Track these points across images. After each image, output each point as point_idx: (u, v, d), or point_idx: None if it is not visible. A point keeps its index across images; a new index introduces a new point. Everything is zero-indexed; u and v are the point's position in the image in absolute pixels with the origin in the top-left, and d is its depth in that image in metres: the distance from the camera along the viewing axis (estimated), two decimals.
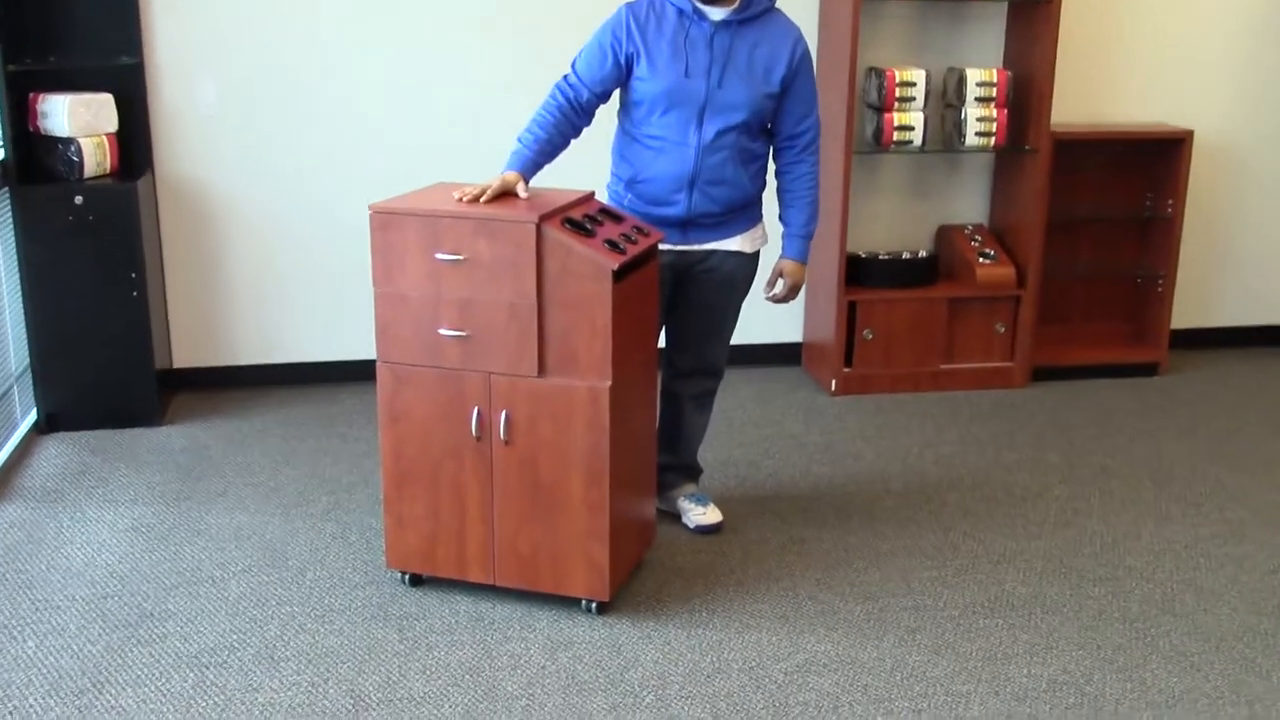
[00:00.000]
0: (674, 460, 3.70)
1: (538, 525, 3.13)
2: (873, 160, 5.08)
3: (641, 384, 3.26)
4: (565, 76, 3.34)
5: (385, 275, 3.10)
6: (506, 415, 3.08)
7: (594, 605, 3.18)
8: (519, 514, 3.14)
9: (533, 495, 3.12)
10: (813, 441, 4.42)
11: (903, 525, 3.74)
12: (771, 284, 3.56)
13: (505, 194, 3.13)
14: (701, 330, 3.54)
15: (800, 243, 3.50)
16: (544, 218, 2.97)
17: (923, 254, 5.04)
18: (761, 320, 5.08)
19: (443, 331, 3.07)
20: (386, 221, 3.06)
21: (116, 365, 4.39)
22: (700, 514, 3.67)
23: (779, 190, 3.48)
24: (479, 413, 3.10)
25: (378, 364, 3.16)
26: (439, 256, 3.03)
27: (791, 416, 4.67)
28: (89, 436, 4.38)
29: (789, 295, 3.55)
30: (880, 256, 4.98)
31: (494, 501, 3.15)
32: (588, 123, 3.36)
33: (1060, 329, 5.34)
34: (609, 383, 3.00)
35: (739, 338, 3.72)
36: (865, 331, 4.89)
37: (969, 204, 5.22)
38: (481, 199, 3.06)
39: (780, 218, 3.50)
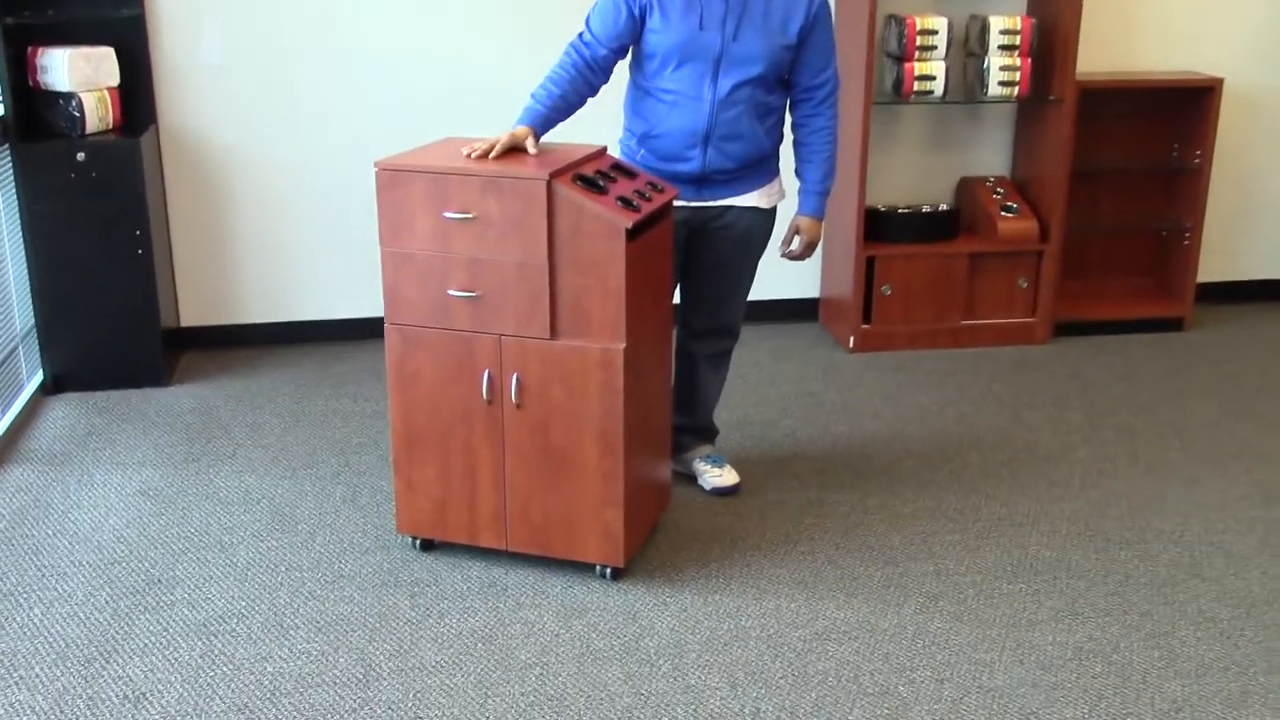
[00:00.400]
0: (689, 421, 3.62)
1: (550, 490, 3.06)
2: (892, 111, 4.96)
3: (656, 345, 3.17)
4: (580, 34, 3.23)
5: (392, 234, 3.01)
6: (518, 378, 3.00)
7: (608, 571, 3.12)
8: (531, 479, 3.07)
9: (545, 460, 3.04)
10: (831, 400, 4.33)
11: (923, 487, 3.67)
12: (788, 241, 3.46)
13: (515, 149, 3.03)
14: (717, 289, 3.45)
15: (817, 199, 3.40)
16: (555, 174, 2.87)
17: (943, 207, 4.93)
18: (778, 276, 4.98)
19: (452, 292, 2.99)
20: (393, 179, 2.97)
21: (122, 325, 4.32)
22: (716, 476, 3.60)
23: (795, 144, 3.38)
24: (490, 375, 3.02)
25: (386, 325, 3.08)
26: (447, 215, 2.94)
27: (809, 374, 4.58)
28: (96, 397, 4.32)
29: (805, 253, 3.46)
30: (900, 210, 4.87)
31: (505, 466, 3.08)
32: (605, 80, 3.25)
33: (1083, 283, 5.23)
34: (623, 345, 2.92)
35: (755, 293, 3.63)
36: (884, 287, 4.78)
37: (991, 156, 5.10)
38: (490, 155, 2.96)
39: (796, 173, 3.40)
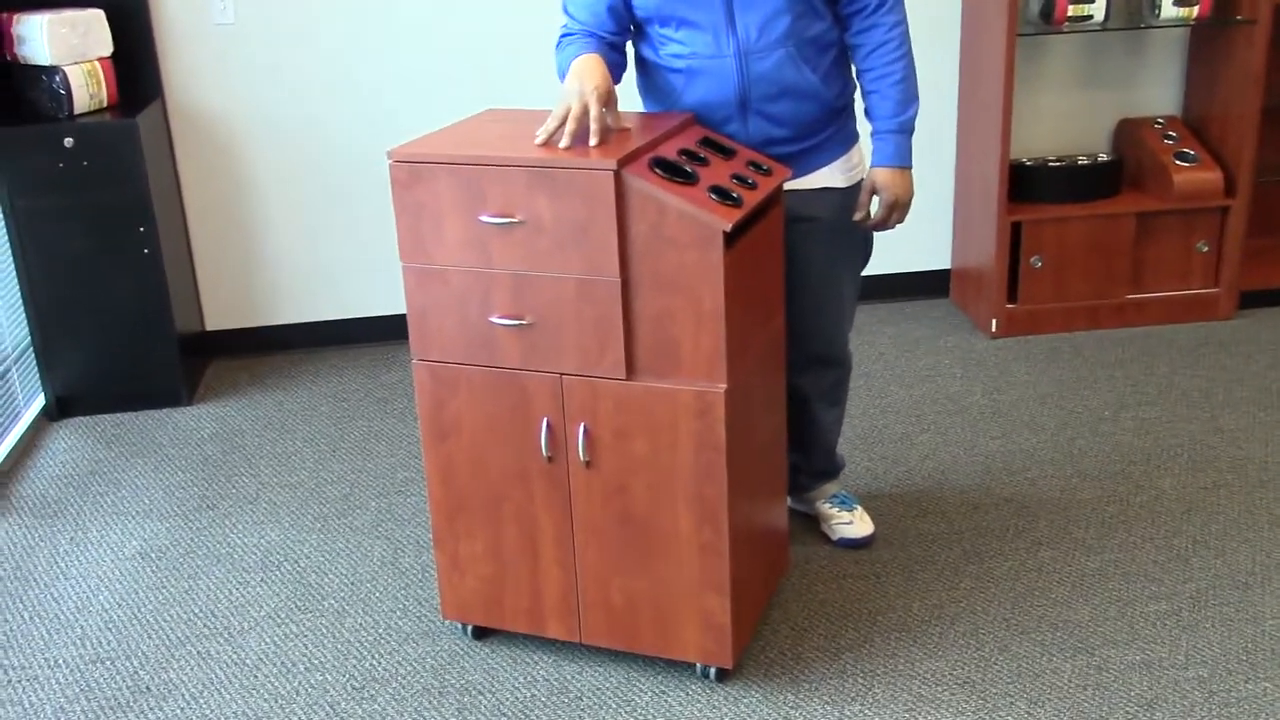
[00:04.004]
0: (807, 464, 2.86)
1: (634, 571, 2.35)
2: (1041, 43, 4.09)
3: (766, 377, 2.42)
4: (564, 28, 2.47)
5: (415, 245, 2.29)
6: (585, 429, 2.28)
7: (712, 672, 2.40)
8: (609, 556, 2.36)
9: (625, 533, 2.33)
10: (975, 404, 3.55)
11: (1109, 529, 2.88)
12: (863, 205, 2.58)
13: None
14: (808, 306, 2.64)
15: (894, 140, 2.51)
16: (625, 160, 2.12)
17: (1103, 158, 4.07)
18: (899, 243, 4.18)
19: (495, 320, 2.27)
20: (413, 173, 2.24)
21: (133, 337, 3.69)
22: (846, 522, 2.85)
23: (858, 75, 2.54)
24: (549, 425, 2.30)
25: (414, 363, 2.38)
26: (485, 219, 2.21)
27: (945, 369, 3.79)
28: (105, 422, 3.70)
29: (889, 217, 2.57)
30: (1050, 163, 4.03)
31: (575, 540, 2.37)
32: (623, 67, 2.48)
33: (1273, 243, 4.35)
34: (724, 386, 2.18)
35: (873, 266, 2.80)
36: (1033, 257, 3.96)
37: (1159, 92, 4.22)
38: (561, 137, 2.19)
39: (866, 113, 2.56)
